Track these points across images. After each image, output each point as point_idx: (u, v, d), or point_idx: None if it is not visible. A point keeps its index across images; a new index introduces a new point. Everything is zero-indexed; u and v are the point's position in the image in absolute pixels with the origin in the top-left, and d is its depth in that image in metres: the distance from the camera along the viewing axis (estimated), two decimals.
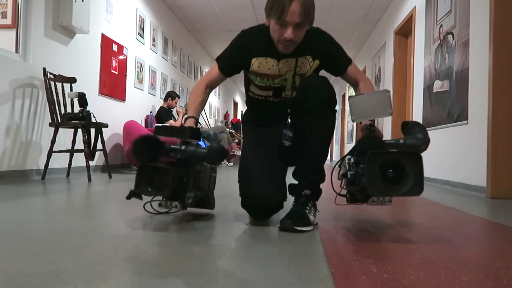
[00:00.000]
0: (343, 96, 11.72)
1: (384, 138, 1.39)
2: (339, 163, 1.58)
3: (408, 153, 1.26)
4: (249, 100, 1.81)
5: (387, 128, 5.92)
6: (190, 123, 1.60)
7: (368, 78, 1.70)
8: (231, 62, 1.70)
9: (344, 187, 1.52)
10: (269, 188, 1.56)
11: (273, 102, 1.71)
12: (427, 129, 4.32)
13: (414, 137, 1.34)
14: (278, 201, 1.58)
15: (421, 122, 4.50)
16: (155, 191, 1.40)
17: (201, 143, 1.59)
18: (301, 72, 1.65)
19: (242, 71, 1.76)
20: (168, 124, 1.36)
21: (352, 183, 1.46)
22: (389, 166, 1.24)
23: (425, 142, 1.33)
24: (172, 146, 1.47)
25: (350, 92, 10.30)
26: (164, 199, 1.43)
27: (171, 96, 6.18)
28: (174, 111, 6.29)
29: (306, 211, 1.53)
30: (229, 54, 1.70)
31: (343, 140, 11.74)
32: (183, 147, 1.47)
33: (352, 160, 1.47)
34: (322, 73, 1.71)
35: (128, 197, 1.42)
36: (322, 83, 1.55)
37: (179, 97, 6.25)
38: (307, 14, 1.49)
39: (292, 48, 1.57)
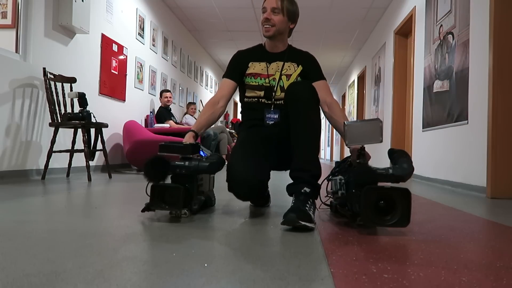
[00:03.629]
0: (343, 96, 11.72)
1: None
2: (329, 177, 1.76)
3: (400, 189, 1.42)
4: (243, 106, 2.02)
5: (387, 124, 5.92)
6: (189, 137, 1.78)
7: (338, 103, 1.92)
8: (235, 68, 1.99)
9: (338, 206, 1.71)
10: (251, 168, 1.69)
11: (264, 104, 1.92)
12: (428, 129, 4.36)
13: (401, 167, 1.51)
14: (260, 179, 1.71)
15: (421, 122, 4.51)
16: (169, 207, 1.61)
17: (201, 152, 1.79)
18: (287, 73, 1.93)
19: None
20: (169, 140, 1.43)
21: (344, 205, 1.62)
22: (381, 198, 1.42)
23: (410, 172, 1.51)
24: (177, 162, 1.67)
25: (350, 92, 10.30)
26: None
27: (160, 94, 6.20)
28: (176, 111, 6.27)
29: (306, 208, 1.55)
30: (232, 65, 2.01)
31: (342, 140, 11.73)
32: (186, 163, 1.67)
33: (343, 180, 1.65)
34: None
35: (143, 211, 1.63)
36: (305, 84, 1.78)
37: (168, 91, 6.18)
38: (283, 4, 1.86)
39: (272, 31, 1.88)
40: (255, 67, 1.95)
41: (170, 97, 6.13)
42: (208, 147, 6.42)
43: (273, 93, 1.92)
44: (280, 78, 1.92)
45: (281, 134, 1.83)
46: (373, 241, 1.35)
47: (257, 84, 1.93)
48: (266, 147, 1.85)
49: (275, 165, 1.91)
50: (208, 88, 10.17)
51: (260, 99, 1.93)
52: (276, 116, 1.88)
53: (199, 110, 8.16)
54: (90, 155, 3.58)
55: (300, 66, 1.94)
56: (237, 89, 2.03)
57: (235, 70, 1.98)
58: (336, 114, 1.84)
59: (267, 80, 1.92)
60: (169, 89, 6.56)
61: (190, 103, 7.50)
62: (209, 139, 6.56)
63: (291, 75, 1.92)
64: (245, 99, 1.99)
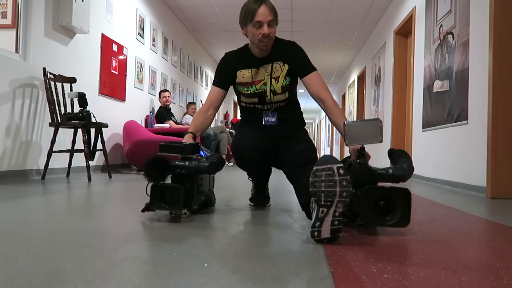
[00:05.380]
0: (343, 96, 11.71)
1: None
2: None
3: (400, 189, 1.42)
4: (242, 109, 2.08)
5: (387, 124, 5.92)
6: (188, 138, 1.81)
7: (331, 97, 1.87)
8: (223, 77, 1.99)
9: None
10: (256, 137, 1.84)
11: (261, 110, 1.98)
12: (428, 129, 4.36)
13: (401, 167, 1.51)
14: (265, 145, 1.83)
15: (421, 122, 4.51)
16: (169, 207, 1.61)
17: (201, 152, 1.81)
18: (275, 76, 1.92)
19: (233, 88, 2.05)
20: (170, 140, 1.49)
21: None
22: (381, 198, 1.42)
23: (410, 172, 1.51)
24: (177, 162, 1.68)
25: (350, 92, 10.30)
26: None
27: (159, 95, 6.20)
28: (176, 111, 6.26)
29: None
30: (220, 73, 2.01)
31: (342, 139, 11.71)
32: (186, 163, 1.68)
33: None
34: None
35: (143, 211, 1.64)
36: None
37: (167, 91, 6.18)
38: (275, 14, 1.83)
39: (270, 44, 1.87)
40: (244, 76, 1.94)
41: (168, 97, 6.11)
42: (208, 147, 6.42)
43: (267, 98, 1.94)
44: (270, 83, 1.92)
45: (277, 134, 1.94)
46: (373, 241, 1.35)
47: (249, 92, 1.95)
48: (266, 133, 1.95)
49: (274, 164, 1.98)
50: (208, 88, 10.16)
51: (256, 105, 1.98)
52: (274, 119, 1.96)
53: None
54: (90, 155, 3.58)
55: (286, 64, 1.92)
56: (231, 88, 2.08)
57: (223, 79, 1.99)
58: (332, 113, 1.82)
59: (258, 87, 1.94)
60: (168, 89, 6.55)
61: (190, 103, 7.50)
62: (209, 139, 6.56)
63: (279, 77, 1.92)
64: (242, 104, 2.04)
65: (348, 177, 1.25)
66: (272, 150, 1.89)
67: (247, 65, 1.94)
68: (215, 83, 2.01)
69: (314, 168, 1.27)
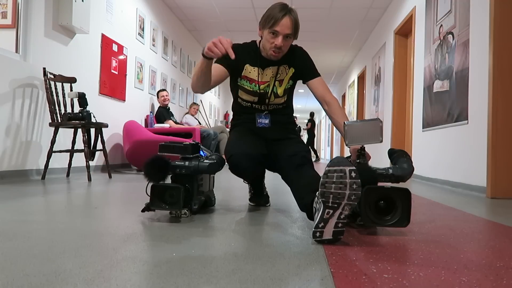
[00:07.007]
0: (343, 96, 11.71)
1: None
2: None
3: (400, 189, 1.41)
4: (237, 107, 2.02)
5: (387, 124, 5.92)
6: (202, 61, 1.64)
7: (337, 100, 1.89)
8: (231, 61, 1.80)
9: None
10: (250, 144, 1.80)
11: (258, 109, 1.96)
12: (428, 129, 4.35)
13: (401, 167, 1.53)
14: (260, 153, 1.78)
15: (421, 122, 4.51)
16: (169, 207, 1.62)
17: (201, 152, 1.81)
18: (280, 78, 1.93)
19: (229, 84, 1.99)
20: (169, 141, 1.50)
21: None
22: (381, 198, 1.43)
23: (410, 172, 1.52)
24: (177, 162, 1.69)
25: (350, 92, 10.30)
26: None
27: (157, 95, 6.19)
28: (176, 111, 6.25)
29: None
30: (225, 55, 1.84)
31: (342, 139, 11.70)
32: (186, 163, 1.69)
33: None
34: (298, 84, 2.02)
35: (143, 211, 1.65)
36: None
37: (164, 90, 6.18)
38: (295, 29, 1.79)
39: (280, 56, 1.85)
40: (251, 72, 1.91)
41: (166, 96, 6.09)
42: (208, 147, 6.42)
43: (267, 99, 1.94)
44: (274, 84, 1.92)
45: (270, 136, 1.93)
46: (373, 241, 1.35)
47: (251, 89, 1.93)
48: (259, 137, 1.93)
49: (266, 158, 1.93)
50: None
51: (254, 105, 1.96)
52: (267, 121, 1.95)
53: (199, 111, 8.16)
54: (90, 155, 3.58)
55: (291, 68, 1.92)
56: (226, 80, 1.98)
57: (230, 63, 1.83)
58: (336, 114, 1.83)
59: (261, 87, 1.92)
60: (165, 88, 6.53)
61: (193, 103, 7.48)
62: (209, 139, 6.56)
63: (283, 80, 1.93)
64: (239, 100, 1.99)
65: (359, 180, 1.24)
66: (266, 154, 1.85)
67: (254, 63, 1.91)
68: (220, 61, 1.83)
69: (326, 168, 1.26)
